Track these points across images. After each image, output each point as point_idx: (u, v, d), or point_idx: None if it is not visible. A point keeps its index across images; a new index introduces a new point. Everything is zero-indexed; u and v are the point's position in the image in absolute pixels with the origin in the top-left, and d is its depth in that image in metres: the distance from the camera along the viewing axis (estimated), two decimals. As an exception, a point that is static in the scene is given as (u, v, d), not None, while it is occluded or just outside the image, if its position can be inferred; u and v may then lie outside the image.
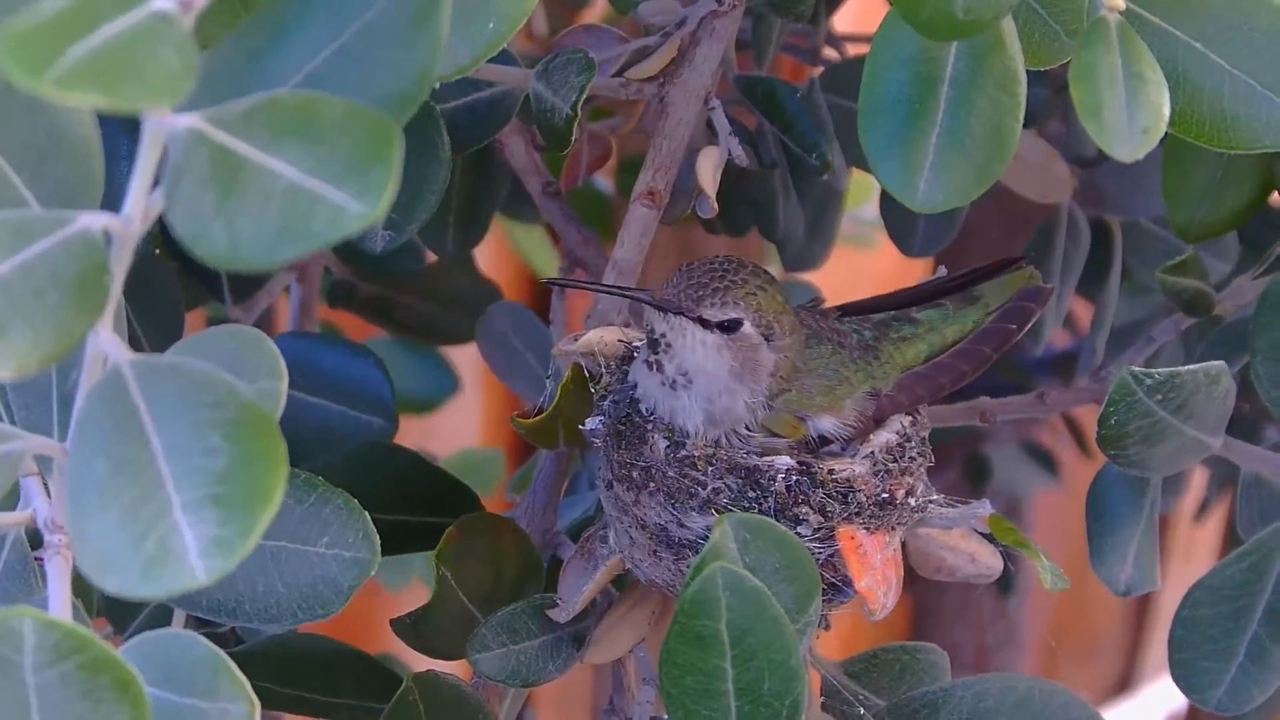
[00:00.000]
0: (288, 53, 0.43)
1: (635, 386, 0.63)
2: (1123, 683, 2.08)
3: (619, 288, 0.66)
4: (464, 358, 1.16)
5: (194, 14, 0.39)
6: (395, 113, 0.42)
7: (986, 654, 1.35)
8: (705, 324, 0.60)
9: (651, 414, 0.62)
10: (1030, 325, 0.66)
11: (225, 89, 0.43)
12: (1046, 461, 1.31)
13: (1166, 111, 0.52)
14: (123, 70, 0.37)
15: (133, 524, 0.40)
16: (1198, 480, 1.19)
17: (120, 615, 0.72)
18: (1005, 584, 1.30)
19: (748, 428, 0.61)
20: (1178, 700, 1.75)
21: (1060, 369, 1.12)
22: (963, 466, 1.24)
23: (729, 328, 0.60)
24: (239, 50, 0.44)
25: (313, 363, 0.77)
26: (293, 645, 0.71)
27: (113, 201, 0.46)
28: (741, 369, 0.61)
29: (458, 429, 1.51)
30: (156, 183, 0.42)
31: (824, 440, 0.62)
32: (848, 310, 0.67)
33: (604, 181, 1.18)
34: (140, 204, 0.42)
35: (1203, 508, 1.19)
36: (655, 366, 0.62)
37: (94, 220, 0.42)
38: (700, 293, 0.60)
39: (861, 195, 1.18)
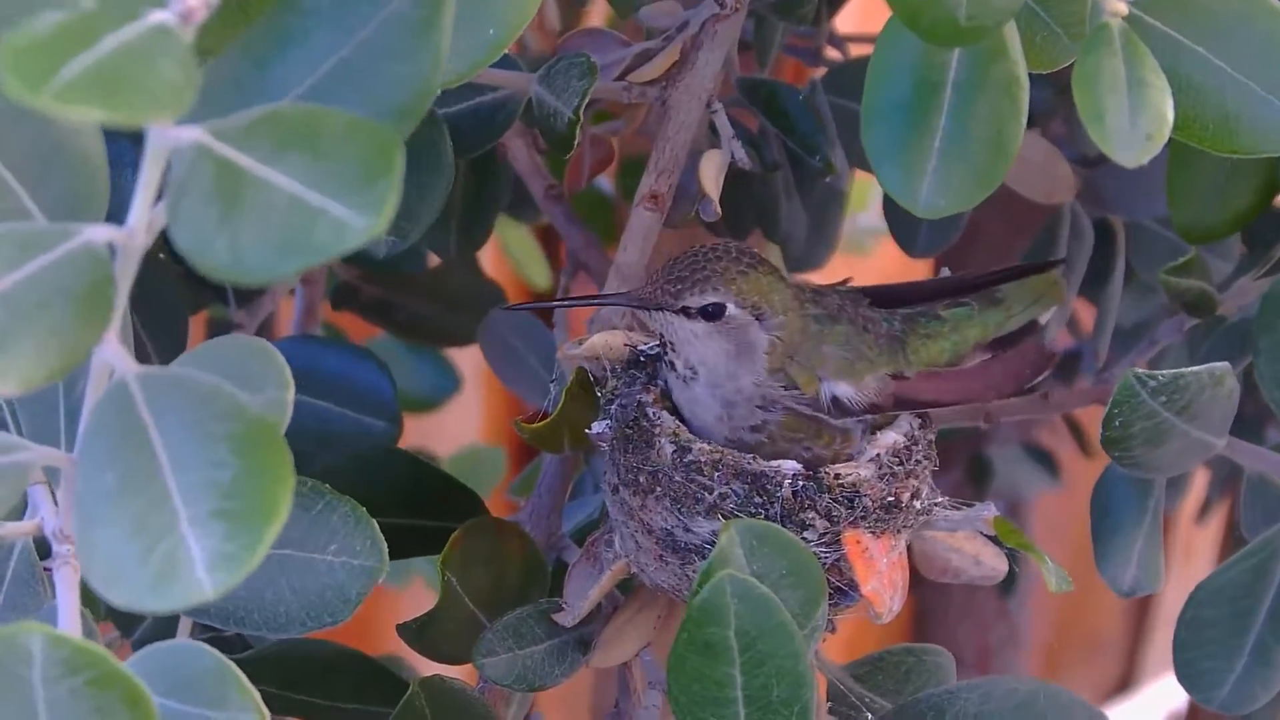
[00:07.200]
0: (290, 65, 0.43)
1: (642, 390, 0.64)
2: (1123, 683, 2.08)
3: (589, 297, 0.66)
4: (465, 357, 1.16)
5: (194, 27, 0.39)
6: (398, 125, 0.42)
7: (989, 655, 1.35)
8: (689, 314, 0.61)
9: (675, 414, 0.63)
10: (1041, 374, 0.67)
11: (228, 101, 0.43)
12: (1048, 463, 1.31)
13: (1170, 117, 0.52)
14: (123, 83, 0.37)
15: (140, 537, 0.40)
16: (1199, 482, 1.19)
17: (127, 620, 0.72)
18: (1007, 585, 1.30)
19: (770, 376, 0.61)
20: (1178, 700, 1.75)
21: (1062, 370, 1.12)
22: (966, 469, 1.24)
23: (712, 313, 0.61)
24: (242, 62, 0.44)
25: (315, 366, 0.77)
26: (296, 649, 0.71)
27: (120, 210, 0.46)
28: (737, 351, 0.61)
29: (459, 428, 1.51)
30: (160, 194, 0.42)
31: (839, 406, 0.62)
32: (876, 296, 0.67)
33: (606, 183, 1.18)
34: (144, 216, 0.42)
35: (1204, 510, 1.19)
36: (671, 365, 0.62)
37: (98, 233, 0.42)
38: (679, 286, 0.61)
39: (860, 203, 1.18)
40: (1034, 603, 1.41)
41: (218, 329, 0.92)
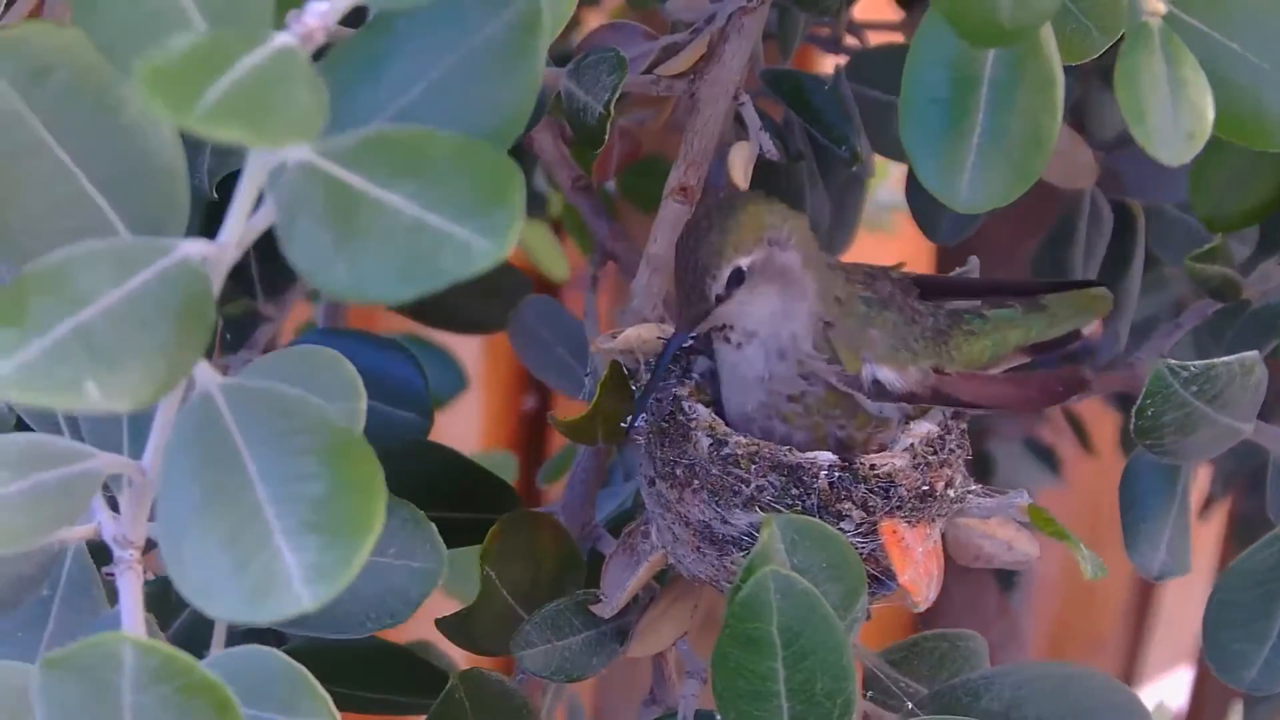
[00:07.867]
0: (380, 87, 0.42)
1: (677, 384, 0.64)
2: (1124, 681, 2.09)
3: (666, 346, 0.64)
4: (465, 355, 1.17)
5: (312, 48, 0.39)
6: (491, 148, 0.42)
7: (991, 652, 1.35)
8: (722, 298, 0.61)
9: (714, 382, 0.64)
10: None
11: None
12: (1049, 460, 1.31)
13: (1210, 115, 0.53)
14: (262, 106, 0.37)
15: (233, 550, 0.40)
16: (1201, 478, 1.19)
17: (162, 614, 0.72)
18: (1008, 582, 1.30)
19: (816, 347, 0.62)
20: (1179, 699, 1.76)
21: (1074, 362, 1.12)
22: (966, 464, 1.24)
23: (739, 279, 0.61)
24: (328, 83, 0.44)
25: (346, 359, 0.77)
26: (335, 642, 0.72)
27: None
28: (783, 286, 0.61)
29: (458, 426, 1.51)
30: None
31: (879, 389, 0.63)
32: (925, 286, 0.67)
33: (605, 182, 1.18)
34: (238, 232, 0.42)
35: (1206, 506, 1.20)
36: (725, 339, 0.63)
37: (193, 249, 0.42)
38: (701, 288, 0.61)
39: (876, 179, 1.18)
40: (1035, 601, 1.42)
41: (241, 322, 0.92)
